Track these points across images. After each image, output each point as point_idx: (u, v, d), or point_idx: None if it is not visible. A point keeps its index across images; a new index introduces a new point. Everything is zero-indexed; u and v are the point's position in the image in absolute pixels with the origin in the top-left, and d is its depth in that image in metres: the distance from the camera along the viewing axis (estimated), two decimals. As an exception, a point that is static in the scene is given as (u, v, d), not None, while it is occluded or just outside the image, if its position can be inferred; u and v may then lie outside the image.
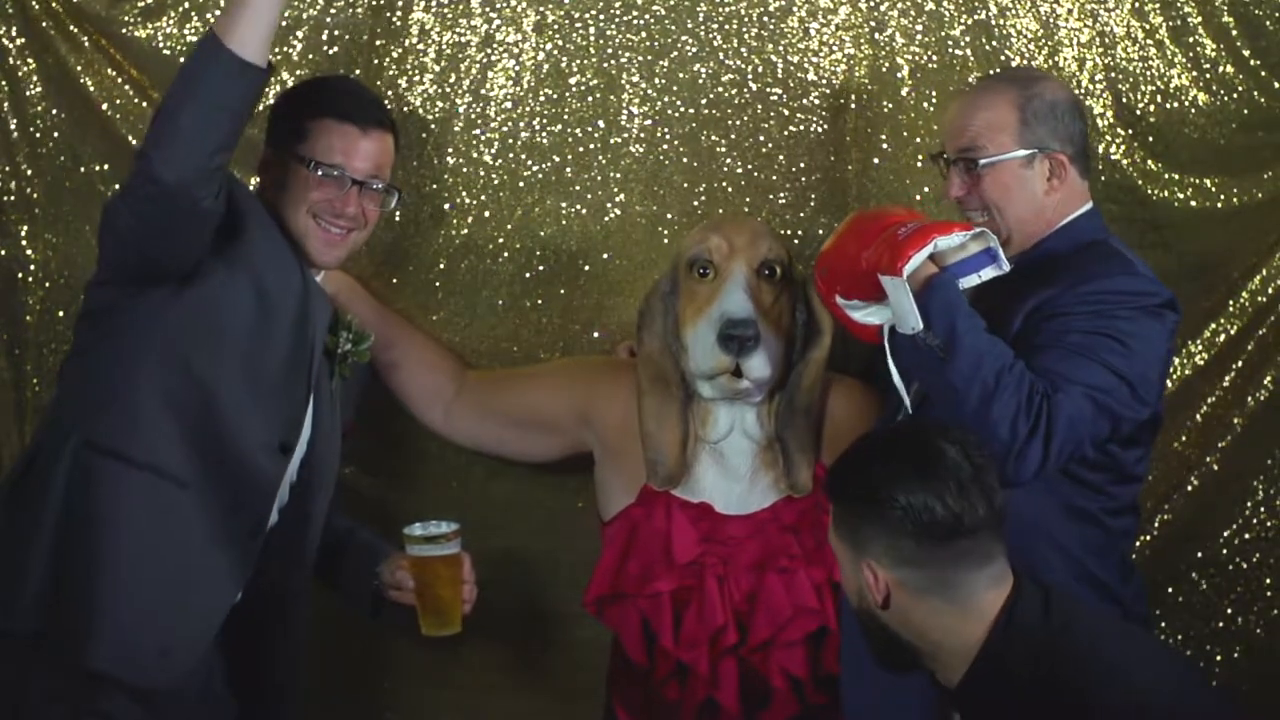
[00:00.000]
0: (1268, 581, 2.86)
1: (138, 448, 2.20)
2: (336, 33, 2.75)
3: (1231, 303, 2.82)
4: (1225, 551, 2.86)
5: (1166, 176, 2.77)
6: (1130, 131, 2.77)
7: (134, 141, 2.72)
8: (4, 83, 2.73)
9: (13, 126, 2.73)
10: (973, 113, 2.34)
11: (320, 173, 2.34)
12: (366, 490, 2.86)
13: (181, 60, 2.65)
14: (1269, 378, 2.82)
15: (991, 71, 2.74)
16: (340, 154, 2.36)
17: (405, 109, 2.76)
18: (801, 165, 2.79)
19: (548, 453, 2.71)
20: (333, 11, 2.75)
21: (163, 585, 2.20)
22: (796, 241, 2.77)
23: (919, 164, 2.76)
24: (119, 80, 2.74)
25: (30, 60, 2.73)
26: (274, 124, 2.42)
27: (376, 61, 2.76)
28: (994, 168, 2.31)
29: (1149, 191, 2.77)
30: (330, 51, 2.75)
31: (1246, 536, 2.86)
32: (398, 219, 2.75)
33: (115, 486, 2.19)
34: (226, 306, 2.24)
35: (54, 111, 2.73)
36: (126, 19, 2.72)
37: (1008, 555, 1.98)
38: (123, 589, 2.18)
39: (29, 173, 2.74)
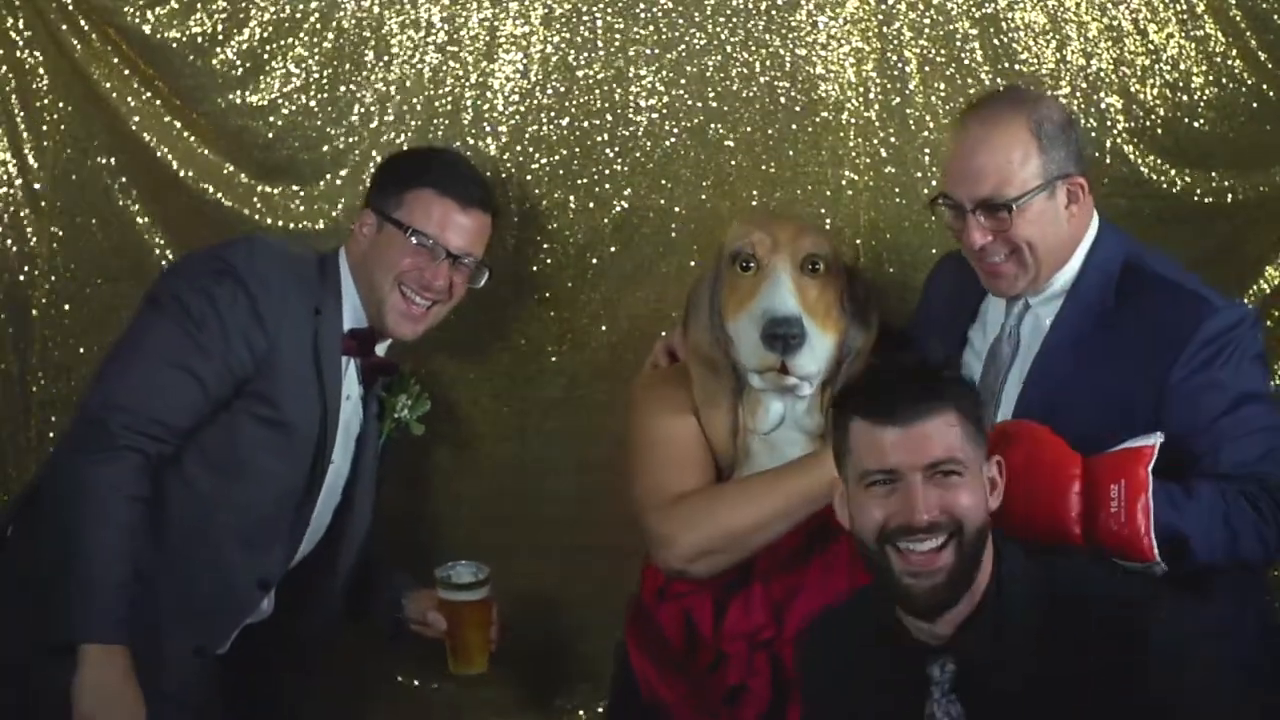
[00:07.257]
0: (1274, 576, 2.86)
1: None
2: (343, 25, 2.74)
3: (1239, 297, 2.81)
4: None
5: (1174, 170, 2.76)
6: (1138, 125, 2.75)
7: (140, 134, 2.73)
8: (11, 74, 2.73)
9: (19, 119, 2.73)
10: (988, 154, 2.23)
11: (415, 240, 2.35)
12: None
13: (186, 52, 2.71)
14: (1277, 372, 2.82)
15: (993, 75, 2.74)
16: (437, 225, 2.38)
17: (412, 102, 2.75)
18: (809, 159, 2.78)
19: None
20: (340, 3, 2.74)
21: None
22: (806, 237, 2.77)
23: (925, 158, 2.76)
24: (125, 72, 2.73)
25: (37, 52, 2.73)
26: (377, 186, 2.44)
27: (384, 55, 2.75)
28: (1025, 207, 2.22)
29: (1157, 185, 2.76)
30: (337, 44, 2.75)
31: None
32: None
33: None
34: (245, 441, 2.25)
35: (60, 104, 2.73)
36: (133, 10, 2.70)
37: None
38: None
39: (35, 165, 2.74)
